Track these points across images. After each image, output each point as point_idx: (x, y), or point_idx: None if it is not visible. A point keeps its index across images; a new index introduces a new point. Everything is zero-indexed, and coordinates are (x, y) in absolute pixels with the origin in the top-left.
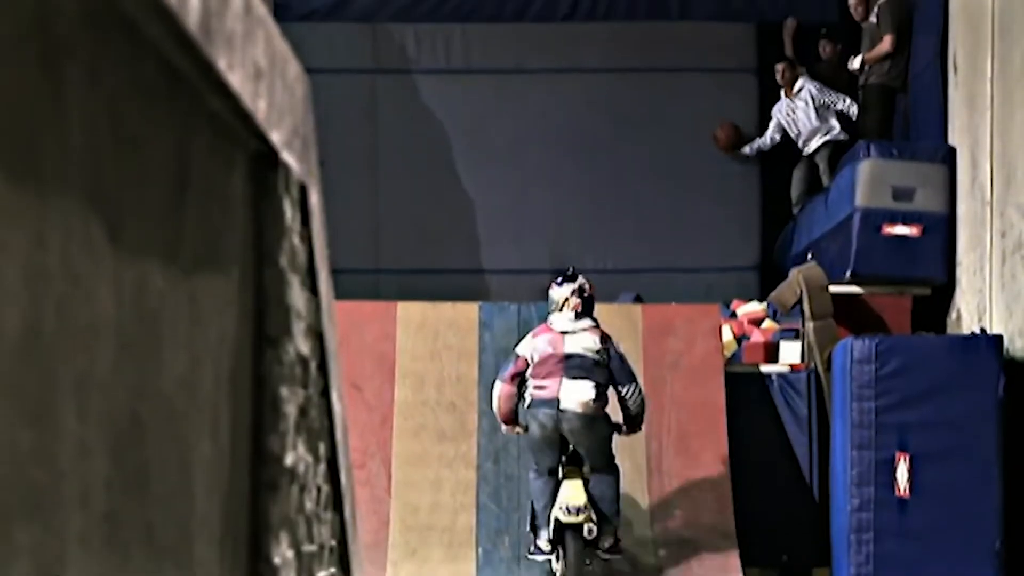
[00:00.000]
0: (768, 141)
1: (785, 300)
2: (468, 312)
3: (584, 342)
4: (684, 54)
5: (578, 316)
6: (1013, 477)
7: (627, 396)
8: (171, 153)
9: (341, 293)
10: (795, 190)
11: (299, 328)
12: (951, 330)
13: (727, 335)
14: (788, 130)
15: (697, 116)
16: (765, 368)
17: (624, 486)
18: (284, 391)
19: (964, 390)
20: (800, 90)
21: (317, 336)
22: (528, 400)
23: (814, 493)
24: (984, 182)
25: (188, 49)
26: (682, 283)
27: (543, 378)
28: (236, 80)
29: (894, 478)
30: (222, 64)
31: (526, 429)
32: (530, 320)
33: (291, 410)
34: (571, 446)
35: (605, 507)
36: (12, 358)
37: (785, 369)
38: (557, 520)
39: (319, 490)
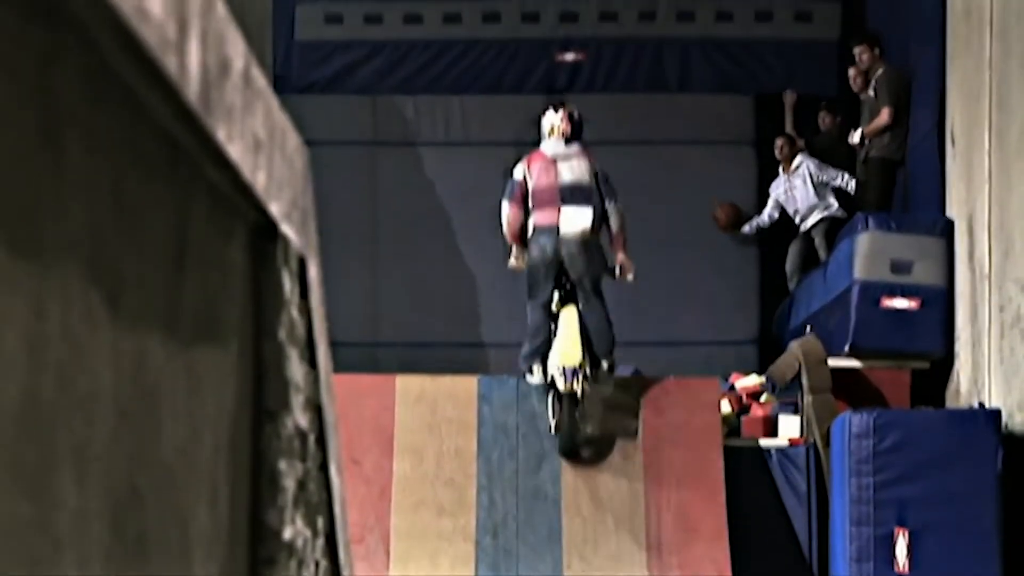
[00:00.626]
0: (767, 219)
1: (784, 374)
2: (467, 385)
3: (577, 170)
4: (682, 126)
5: (568, 141)
6: (1013, 551)
7: (613, 211)
8: (170, 224)
9: (340, 366)
10: (790, 264)
11: (298, 401)
12: (950, 404)
13: (726, 409)
14: (786, 207)
15: (695, 188)
16: (764, 442)
17: (622, 558)
18: (282, 464)
19: (963, 464)
20: (798, 167)
21: (316, 409)
22: (531, 229)
23: (813, 569)
24: (982, 255)
25: (187, 120)
26: (681, 356)
27: (543, 208)
28: (235, 151)
29: (893, 554)
30: (221, 135)
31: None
32: (528, 393)
33: (290, 484)
34: (566, 282)
35: (601, 338)
36: (11, 427)
37: (784, 443)
38: (554, 382)
39: (317, 565)
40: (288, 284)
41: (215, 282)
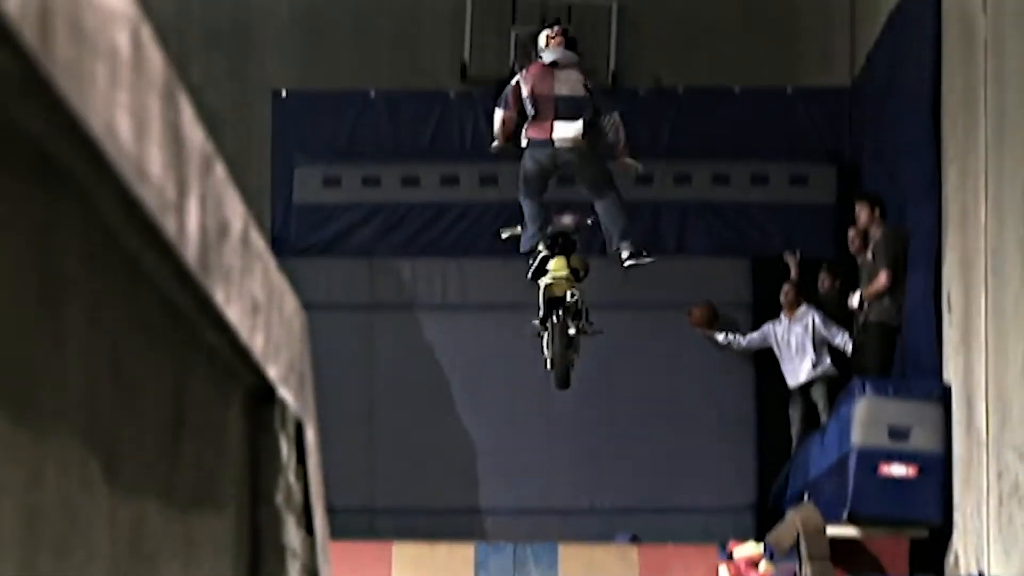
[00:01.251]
0: (745, 343)
1: (782, 541)
2: (464, 553)
3: (572, 83)
4: (680, 289)
5: (566, 49)
6: None
7: (608, 122)
8: (168, 389)
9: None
10: (795, 428)
11: (294, 568)
12: (949, 573)
13: None
14: (777, 349)
15: (692, 353)
16: None
17: None
18: None
19: None
20: (803, 316)
21: None
22: (525, 142)
23: None
24: (980, 423)
25: (186, 283)
26: (679, 523)
27: (536, 118)
28: (233, 314)
29: None
30: (220, 297)
31: (512, 153)
32: (525, 560)
33: None
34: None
35: (617, 222)
36: None
37: None
38: (547, 290)
39: None
40: (285, 449)
41: (212, 447)
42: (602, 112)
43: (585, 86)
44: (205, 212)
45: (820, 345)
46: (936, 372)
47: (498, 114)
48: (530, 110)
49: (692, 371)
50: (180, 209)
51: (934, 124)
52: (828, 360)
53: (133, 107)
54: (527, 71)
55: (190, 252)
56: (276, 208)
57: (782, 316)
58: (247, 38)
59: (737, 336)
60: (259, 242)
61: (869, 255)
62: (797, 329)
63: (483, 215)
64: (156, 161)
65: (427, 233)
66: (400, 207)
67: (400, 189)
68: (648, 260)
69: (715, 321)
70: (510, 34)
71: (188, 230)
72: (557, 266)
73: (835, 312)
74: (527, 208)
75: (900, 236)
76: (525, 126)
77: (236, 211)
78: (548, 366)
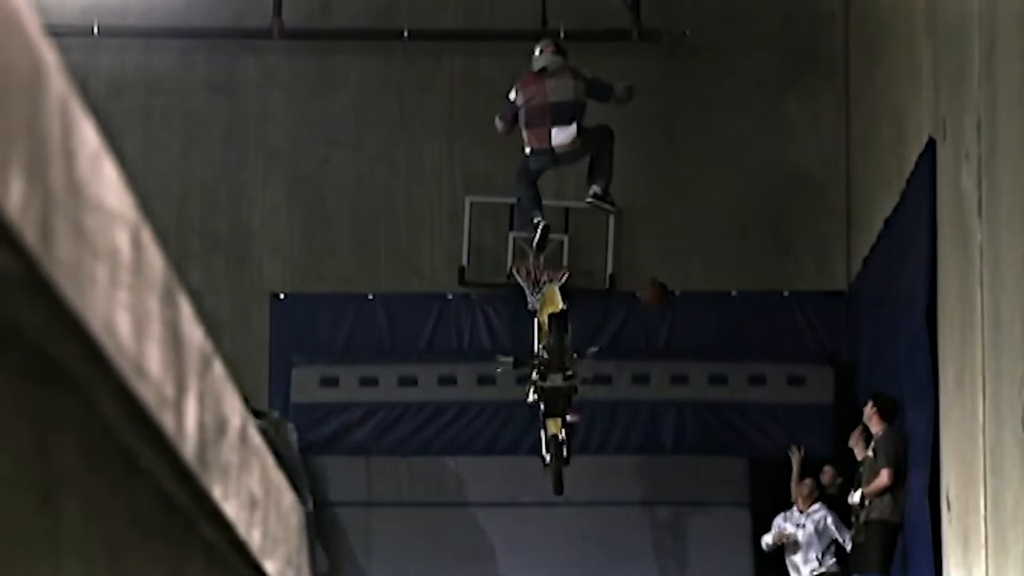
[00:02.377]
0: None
1: None
2: None
3: (563, 88)
4: (679, 488)
5: (553, 55)
6: None
7: (613, 99)
8: None
9: None
10: None
11: None
12: None
13: None
14: (783, 541)
15: (690, 549)
16: None
17: None
18: None
19: None
20: (815, 512)
21: None
22: (528, 150)
23: None
24: None
25: (183, 477)
26: None
27: (534, 127)
28: (231, 509)
29: None
30: (217, 493)
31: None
32: None
33: None
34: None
35: (602, 171)
36: None
37: None
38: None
39: None
40: None
41: None
42: (602, 101)
43: (576, 76)
44: (203, 409)
45: (829, 544)
46: (935, 571)
47: (499, 124)
48: (524, 122)
49: (691, 566)
50: (179, 406)
51: (930, 326)
52: (833, 559)
53: (133, 306)
54: (521, 83)
55: (188, 448)
56: (274, 407)
57: (794, 510)
58: (246, 242)
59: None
60: (257, 439)
61: (870, 452)
62: (808, 525)
63: (480, 414)
64: (155, 359)
65: (424, 432)
66: (397, 406)
67: (397, 388)
68: (610, 208)
69: (666, 297)
70: (507, 238)
71: (186, 427)
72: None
73: (836, 507)
74: (525, 193)
75: (901, 435)
76: (525, 136)
77: (234, 408)
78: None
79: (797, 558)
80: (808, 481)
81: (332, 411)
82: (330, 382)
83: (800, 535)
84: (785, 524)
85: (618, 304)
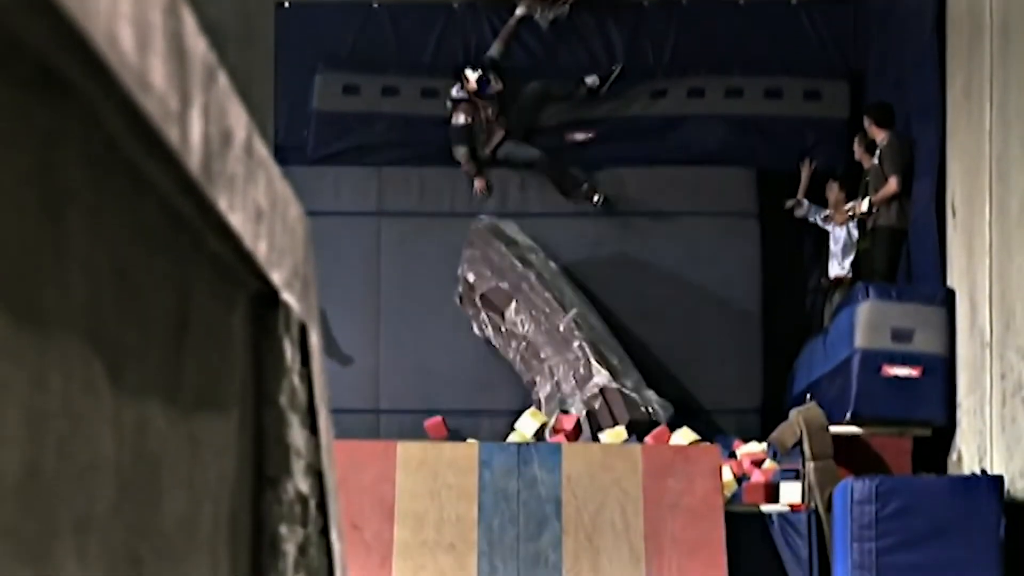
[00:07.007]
0: (809, 216)
1: (785, 440)
2: (468, 451)
3: None
4: (686, 198)
5: None
6: None
7: None
8: (172, 295)
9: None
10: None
11: (299, 467)
12: (952, 471)
13: (727, 475)
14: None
15: (698, 259)
16: (765, 508)
17: None
18: (283, 530)
19: (965, 531)
20: (848, 221)
21: (317, 475)
22: None
23: None
24: (983, 324)
25: (189, 190)
26: (684, 424)
27: None
28: (237, 221)
29: None
30: (223, 205)
31: None
32: (530, 459)
33: (290, 549)
34: None
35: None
36: (11, 499)
37: (785, 509)
38: None
39: None
40: (289, 351)
41: (217, 350)
42: None
43: None
44: (208, 121)
45: (850, 249)
46: (940, 276)
47: None
48: None
49: (698, 276)
50: (183, 119)
51: (939, 35)
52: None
53: (135, 18)
54: None
55: (193, 161)
56: (279, 115)
57: (832, 221)
58: None
59: (806, 207)
60: (263, 151)
61: (876, 160)
62: (841, 233)
63: None
64: (158, 72)
65: (437, 143)
66: (415, 119)
67: (419, 100)
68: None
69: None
70: None
71: (191, 139)
72: None
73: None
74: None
75: (907, 143)
76: None
77: (239, 120)
78: None
79: (835, 259)
80: (834, 184)
81: (354, 121)
82: (352, 90)
83: (840, 236)
84: (822, 223)
85: (626, 14)
